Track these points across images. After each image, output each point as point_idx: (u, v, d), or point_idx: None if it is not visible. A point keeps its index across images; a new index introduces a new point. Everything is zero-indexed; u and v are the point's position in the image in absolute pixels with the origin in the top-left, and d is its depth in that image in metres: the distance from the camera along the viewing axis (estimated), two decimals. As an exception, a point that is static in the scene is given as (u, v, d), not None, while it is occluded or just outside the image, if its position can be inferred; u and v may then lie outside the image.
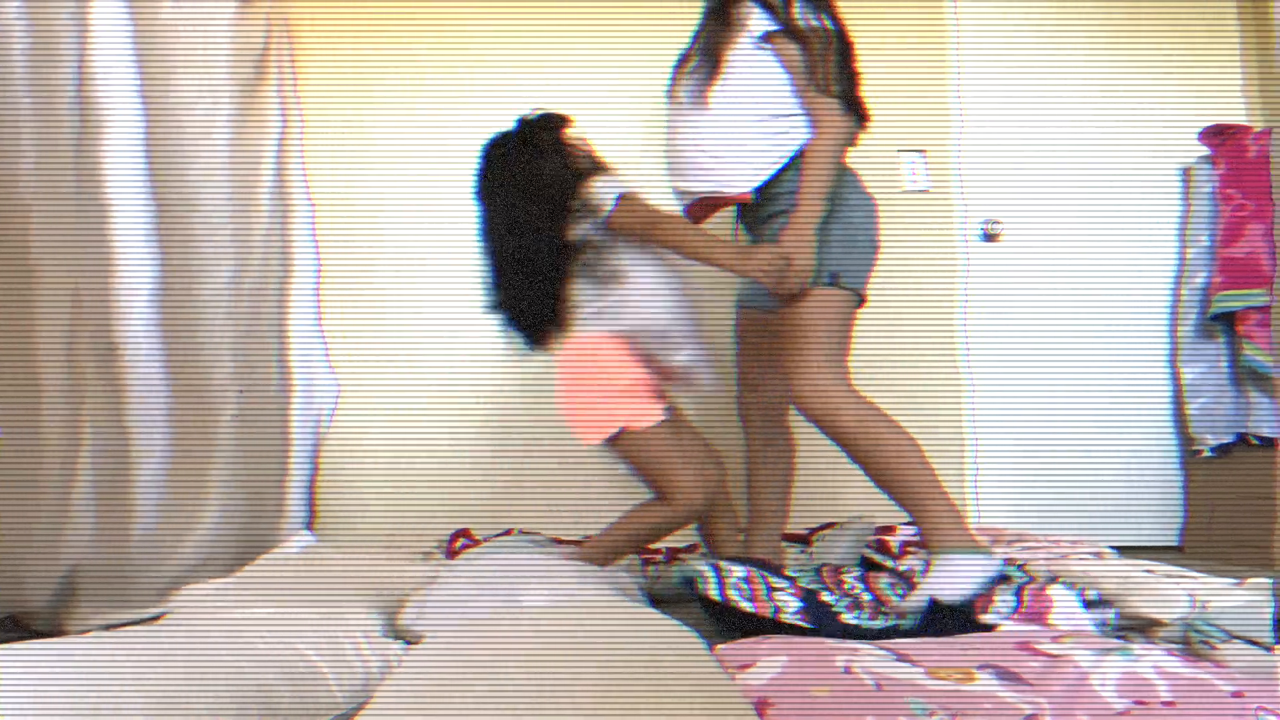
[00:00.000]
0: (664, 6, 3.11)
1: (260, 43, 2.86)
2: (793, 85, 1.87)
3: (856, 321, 1.97)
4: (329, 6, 3.12)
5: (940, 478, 1.82)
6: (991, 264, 3.17)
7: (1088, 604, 1.61)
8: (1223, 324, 2.96)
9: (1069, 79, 3.21)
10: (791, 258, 1.79)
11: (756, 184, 1.90)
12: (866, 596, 1.73)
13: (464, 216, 3.08)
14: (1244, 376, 2.90)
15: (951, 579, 1.67)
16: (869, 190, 2.00)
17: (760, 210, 1.98)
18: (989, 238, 3.16)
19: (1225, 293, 2.87)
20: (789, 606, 1.59)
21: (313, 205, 3.08)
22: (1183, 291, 3.07)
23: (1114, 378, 3.13)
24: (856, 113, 1.90)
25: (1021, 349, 3.15)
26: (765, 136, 1.89)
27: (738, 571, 1.62)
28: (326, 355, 3.06)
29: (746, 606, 1.55)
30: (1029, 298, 3.16)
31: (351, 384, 3.04)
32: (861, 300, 1.95)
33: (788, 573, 1.73)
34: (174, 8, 2.45)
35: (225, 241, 2.59)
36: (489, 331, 2.98)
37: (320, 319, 3.07)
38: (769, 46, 1.87)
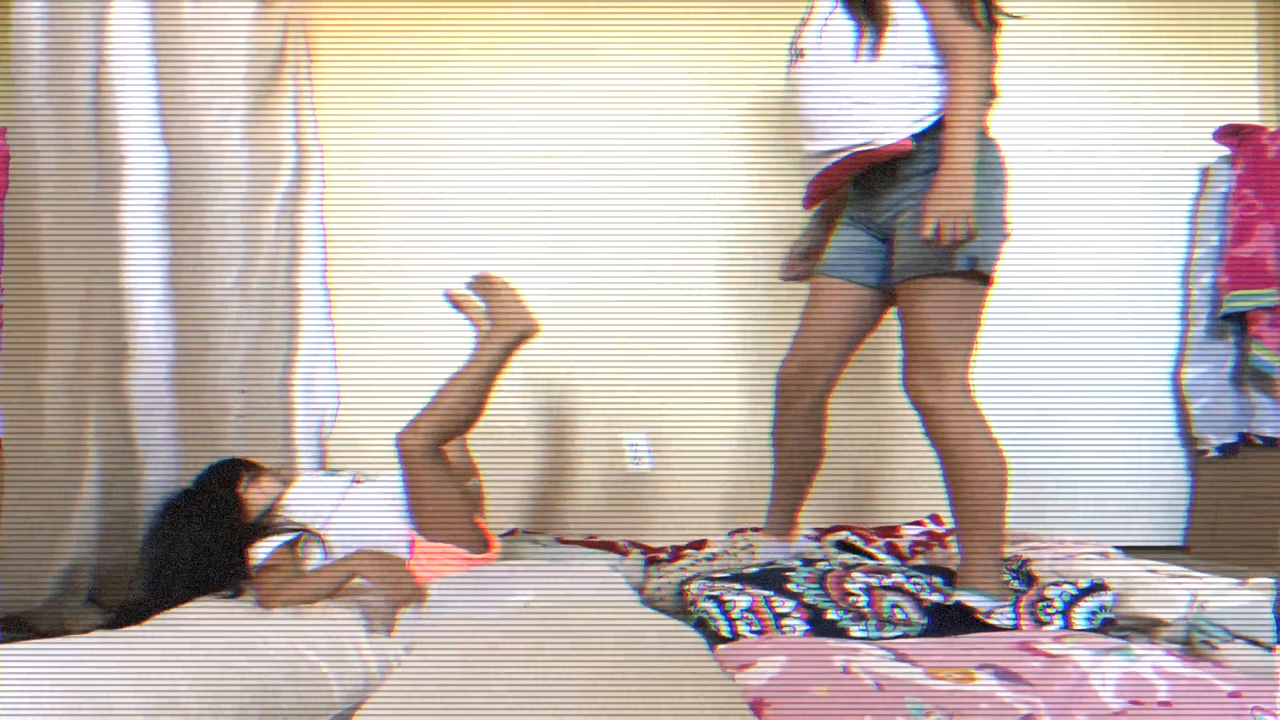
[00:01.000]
0: (676, 6, 3.13)
1: (277, 43, 2.85)
2: (932, 34, 1.83)
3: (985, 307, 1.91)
4: (346, 7, 3.12)
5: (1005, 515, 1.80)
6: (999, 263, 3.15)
7: (1081, 591, 1.61)
8: (1234, 324, 2.95)
9: (1083, 79, 3.19)
10: (949, 205, 1.70)
11: (915, 132, 1.84)
12: (863, 602, 1.73)
13: (475, 218, 3.11)
14: (1246, 377, 2.89)
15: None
16: (1002, 154, 1.94)
17: (901, 170, 1.90)
18: (996, 237, 3.15)
19: (1235, 293, 2.86)
20: (795, 632, 1.60)
21: (324, 206, 3.08)
22: (1192, 292, 3.06)
23: (1119, 377, 3.11)
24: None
25: (1024, 348, 3.14)
26: (917, 85, 1.84)
27: (742, 602, 1.62)
28: (333, 356, 3.07)
29: (754, 639, 1.57)
30: (1033, 297, 3.14)
31: (357, 385, 3.05)
32: (989, 283, 1.90)
33: (790, 588, 1.72)
34: (194, 8, 2.45)
35: (236, 242, 2.60)
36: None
37: (331, 319, 3.07)
38: None
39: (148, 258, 2.25)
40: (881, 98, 1.84)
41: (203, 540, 1.84)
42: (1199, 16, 3.20)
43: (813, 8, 1.99)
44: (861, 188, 2.01)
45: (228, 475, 2.08)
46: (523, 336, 2.22)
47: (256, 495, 2.07)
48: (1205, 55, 3.19)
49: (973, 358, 1.85)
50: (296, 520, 1.96)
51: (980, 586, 1.76)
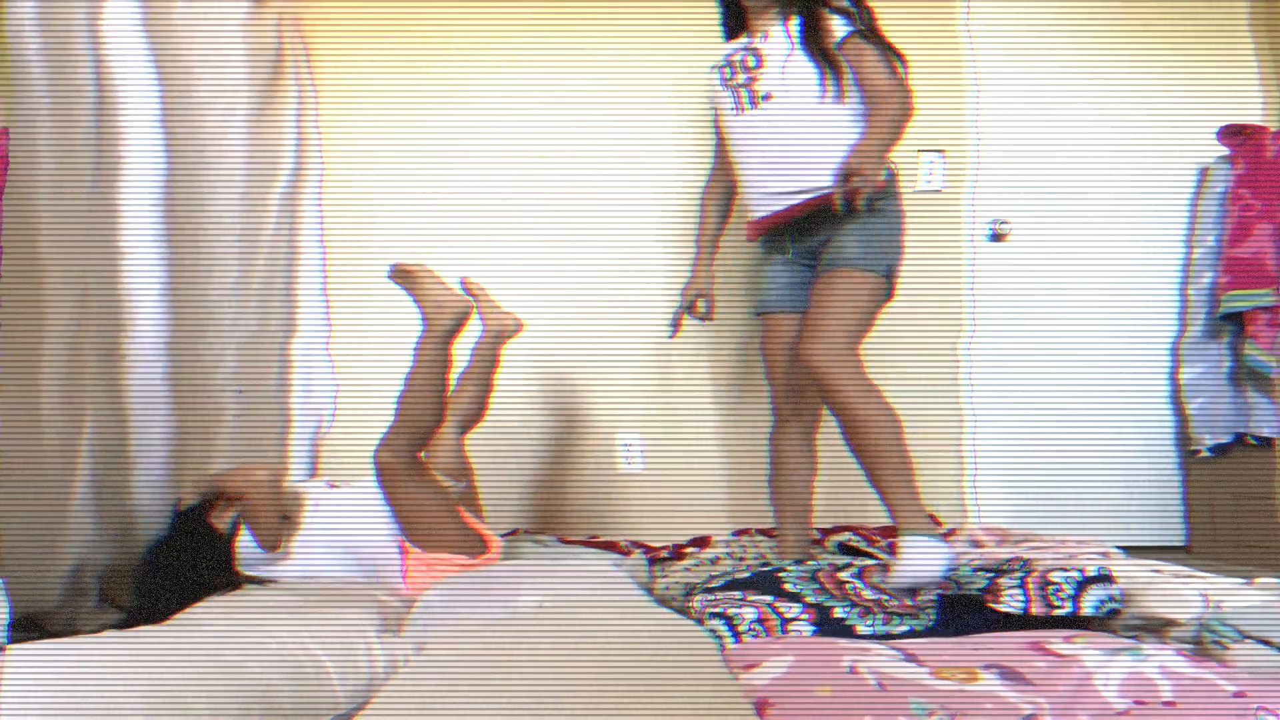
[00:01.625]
0: (670, 7, 3.13)
1: (274, 43, 2.85)
2: (858, 83, 2.00)
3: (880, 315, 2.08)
4: (340, 7, 3.13)
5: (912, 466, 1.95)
6: (998, 264, 3.16)
7: (1087, 579, 1.61)
8: (1231, 324, 2.96)
9: (1084, 80, 3.19)
10: (862, 165, 1.82)
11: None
12: (868, 594, 1.73)
13: (471, 218, 3.12)
14: (1243, 376, 2.89)
15: (921, 562, 1.76)
16: (903, 209, 2.12)
17: (824, 219, 2.05)
18: (996, 238, 3.16)
19: (1233, 293, 2.87)
20: (804, 635, 1.61)
21: (322, 206, 3.09)
22: (1190, 291, 3.06)
23: (1115, 377, 3.12)
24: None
25: (1024, 349, 3.14)
26: (856, 131, 1.99)
27: (749, 615, 1.63)
28: (329, 356, 3.07)
29: (755, 641, 1.58)
30: (1034, 298, 3.15)
31: (353, 384, 3.06)
32: (890, 294, 2.07)
33: (787, 587, 1.73)
34: (186, 8, 2.45)
35: (234, 242, 2.60)
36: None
37: (329, 319, 3.08)
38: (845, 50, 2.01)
39: (146, 258, 2.25)
40: (849, 139, 1.96)
41: (190, 585, 1.90)
42: (1200, 17, 3.20)
43: (756, 49, 2.09)
44: (799, 224, 2.13)
45: (195, 520, 2.09)
46: (460, 322, 2.07)
47: (226, 512, 2.12)
48: (1207, 56, 3.19)
49: (861, 343, 2.00)
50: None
51: (914, 528, 1.85)
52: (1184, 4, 3.20)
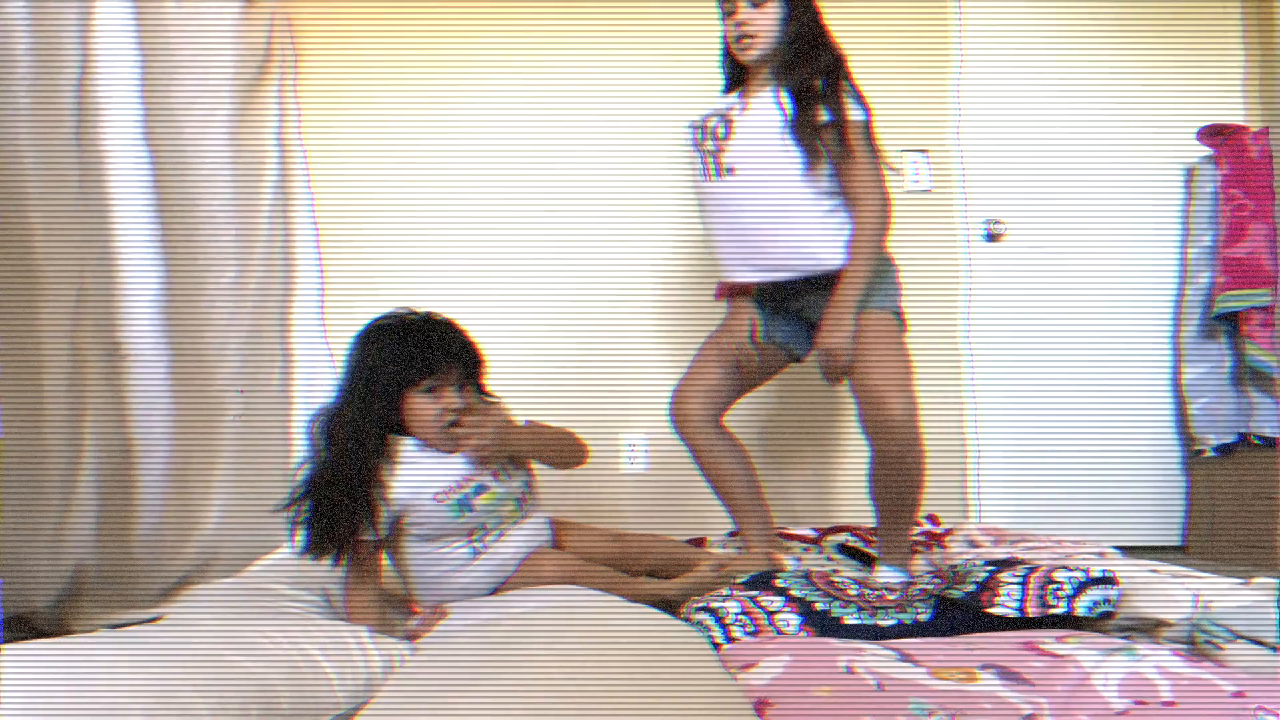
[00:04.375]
0: (664, 7, 3.13)
1: (263, 43, 2.86)
2: (835, 170, 1.99)
3: None
4: (332, 7, 3.13)
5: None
6: (994, 264, 3.16)
7: (1091, 580, 1.61)
8: (1226, 324, 2.96)
9: (1071, 78, 3.20)
10: (839, 344, 1.94)
11: (840, 261, 1.99)
12: (853, 590, 1.74)
13: (465, 218, 3.11)
14: (1246, 377, 2.90)
15: (885, 579, 1.99)
16: (899, 272, 2.13)
17: (796, 290, 2.09)
18: (992, 237, 3.16)
19: (1229, 293, 2.87)
20: (789, 625, 1.60)
21: (314, 205, 3.08)
22: (1186, 291, 3.07)
23: (1116, 377, 3.12)
24: None
25: (1024, 349, 3.15)
26: (840, 215, 2.01)
27: (733, 608, 1.64)
28: (330, 355, 3.07)
29: (750, 641, 1.58)
30: (1031, 297, 3.15)
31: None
32: (903, 327, 2.10)
33: (778, 583, 1.73)
34: (178, 8, 2.45)
35: (228, 242, 2.60)
36: (488, 331, 2.99)
37: (324, 319, 3.07)
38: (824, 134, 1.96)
39: (140, 257, 2.25)
40: (818, 225, 1.99)
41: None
42: (1185, 17, 3.21)
43: (729, 118, 2.05)
44: (778, 291, 2.14)
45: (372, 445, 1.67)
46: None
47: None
48: (1190, 55, 3.20)
49: (914, 381, 2.00)
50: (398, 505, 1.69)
51: (893, 562, 2.07)
52: (1170, 4, 3.21)
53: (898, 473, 1.98)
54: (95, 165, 2.18)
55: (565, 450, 1.91)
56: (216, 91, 2.60)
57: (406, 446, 1.68)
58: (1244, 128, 2.96)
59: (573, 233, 3.10)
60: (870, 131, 1.99)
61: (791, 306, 2.15)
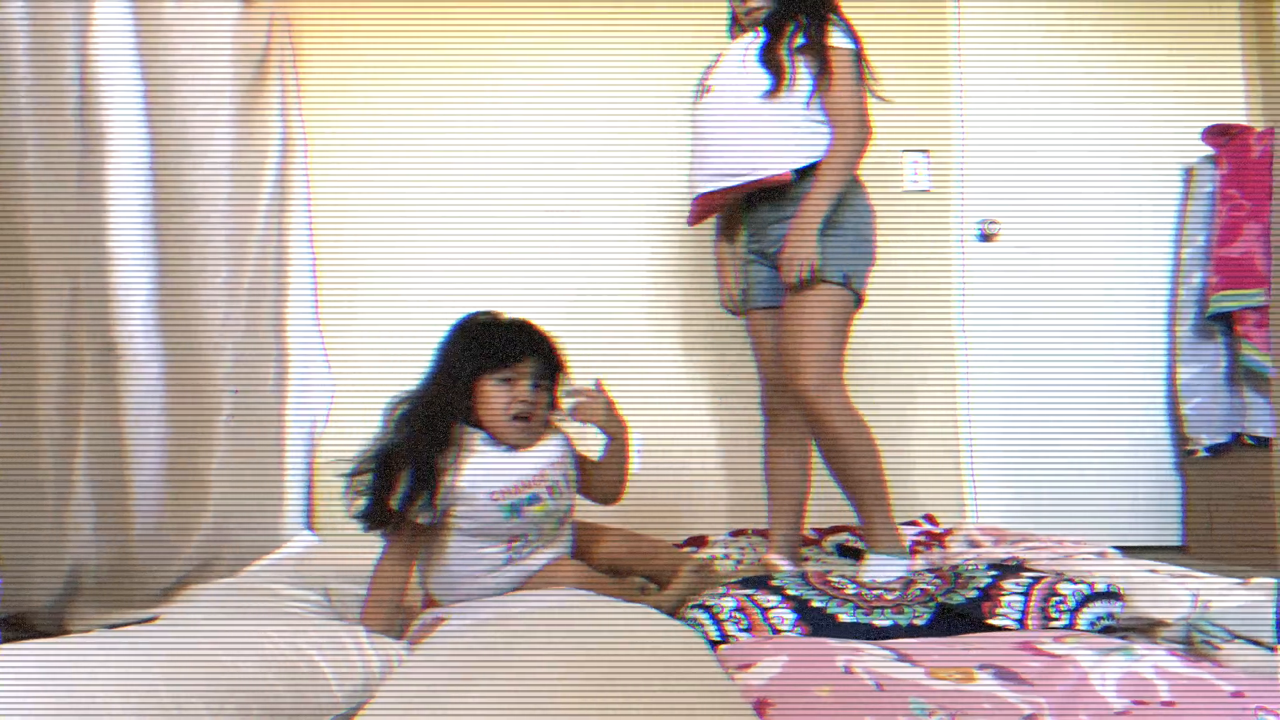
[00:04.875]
0: (663, 7, 3.13)
1: (262, 43, 2.86)
2: (819, 94, 2.04)
3: (854, 321, 2.10)
4: (331, 7, 3.12)
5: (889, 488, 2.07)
6: (988, 264, 3.17)
7: (1096, 594, 1.60)
8: (1221, 324, 2.96)
9: (1071, 79, 3.21)
10: (797, 252, 1.97)
11: (796, 168, 2.04)
12: (850, 590, 1.74)
13: (461, 217, 3.11)
14: (1240, 376, 2.90)
15: (879, 571, 1.97)
16: (869, 198, 2.13)
17: (774, 205, 2.12)
18: (986, 238, 3.16)
19: (1222, 293, 2.87)
20: (784, 622, 1.60)
21: (310, 205, 3.08)
22: (1180, 291, 3.07)
23: (1111, 377, 3.12)
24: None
25: (1018, 349, 3.15)
26: (804, 130, 2.04)
27: (729, 604, 1.64)
28: (324, 354, 3.07)
29: (745, 637, 1.57)
30: (1026, 298, 3.15)
31: (348, 383, 3.05)
32: (860, 302, 2.09)
33: (774, 582, 1.73)
34: (176, 8, 2.45)
35: (223, 241, 2.60)
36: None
37: (318, 319, 3.07)
38: (803, 59, 2.05)
39: (133, 258, 2.25)
40: (770, 136, 2.05)
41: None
42: (1184, 17, 3.21)
43: (724, 53, 2.19)
44: (753, 221, 2.21)
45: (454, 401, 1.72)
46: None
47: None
48: (1192, 55, 3.21)
49: (844, 359, 2.05)
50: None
51: (885, 548, 2.03)
52: (1171, 4, 3.21)
53: (834, 453, 2.02)
54: (92, 164, 2.17)
55: (622, 475, 1.97)
56: (215, 91, 2.60)
57: (477, 439, 1.71)
58: (1249, 128, 2.96)
59: (570, 231, 3.10)
60: (861, 60, 2.07)
61: (771, 241, 2.15)
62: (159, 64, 2.38)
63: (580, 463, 1.90)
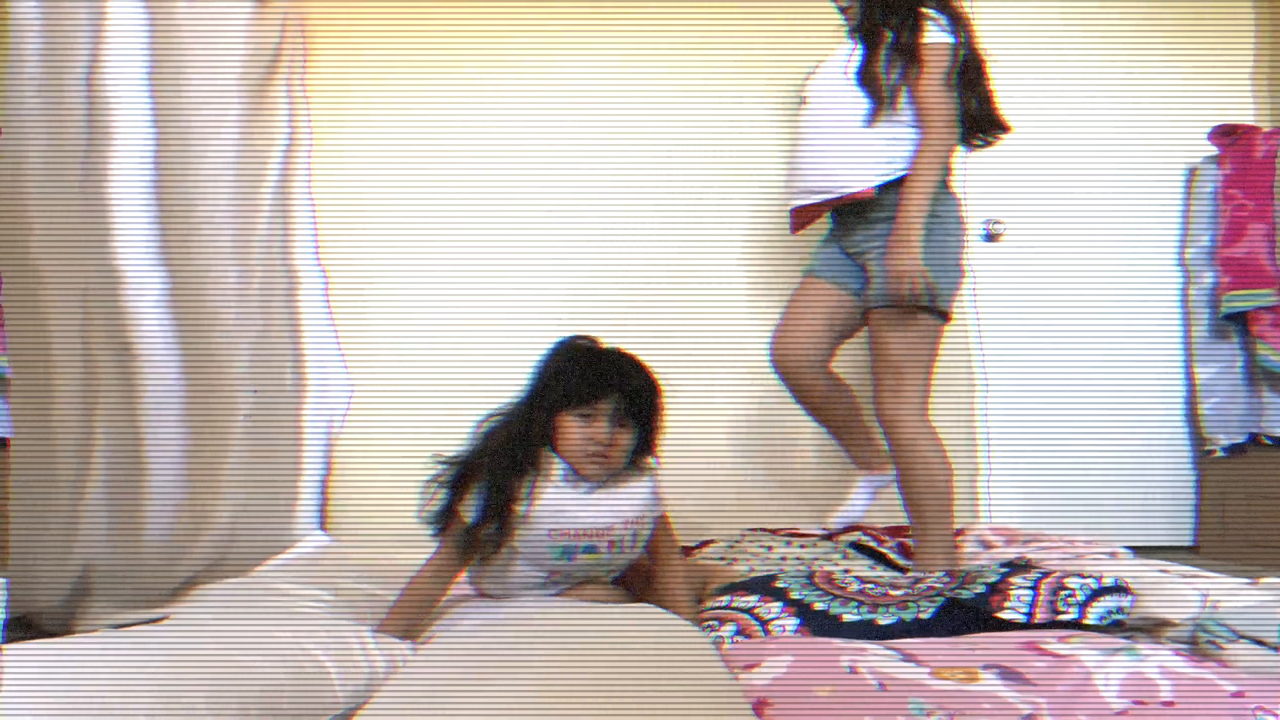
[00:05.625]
0: (672, 7, 3.13)
1: (274, 42, 2.87)
2: (909, 94, 2.05)
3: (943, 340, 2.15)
4: (346, 7, 3.14)
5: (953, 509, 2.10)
6: (992, 264, 3.15)
7: (1104, 588, 1.59)
8: (1236, 324, 2.94)
9: (1077, 78, 3.18)
10: (903, 267, 1.97)
11: (879, 184, 2.06)
12: (854, 587, 1.73)
13: (472, 216, 3.12)
14: (1259, 377, 2.88)
15: None
16: (961, 208, 2.14)
17: (859, 215, 2.15)
18: (990, 238, 3.15)
19: (1234, 293, 2.85)
20: (785, 631, 1.59)
21: (314, 206, 3.09)
22: (1191, 291, 3.05)
23: (1125, 377, 3.10)
24: (989, 126, 2.20)
25: (1032, 349, 3.13)
26: (889, 142, 2.06)
27: (729, 629, 1.62)
28: (341, 355, 3.08)
29: (753, 641, 1.57)
30: (1036, 298, 3.14)
31: (364, 383, 3.06)
32: (947, 319, 2.11)
33: (778, 584, 1.73)
34: (189, 8, 2.46)
35: (229, 241, 2.61)
36: (500, 331, 3.00)
37: (333, 319, 3.08)
38: (898, 62, 2.05)
39: (141, 258, 2.26)
40: (856, 152, 2.08)
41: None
42: (1193, 17, 3.18)
43: (821, 62, 2.21)
44: (839, 222, 2.26)
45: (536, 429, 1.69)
46: None
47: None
48: (1201, 55, 3.18)
49: (931, 383, 2.11)
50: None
51: (935, 567, 2.01)
52: (1179, 4, 3.18)
53: (906, 472, 2.09)
54: (101, 164, 2.19)
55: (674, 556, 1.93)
56: (226, 91, 2.61)
57: (556, 469, 1.69)
58: (1256, 129, 2.94)
59: (578, 232, 3.10)
60: (958, 53, 2.05)
61: (855, 243, 2.19)
62: (169, 64, 2.39)
63: (660, 523, 1.87)
